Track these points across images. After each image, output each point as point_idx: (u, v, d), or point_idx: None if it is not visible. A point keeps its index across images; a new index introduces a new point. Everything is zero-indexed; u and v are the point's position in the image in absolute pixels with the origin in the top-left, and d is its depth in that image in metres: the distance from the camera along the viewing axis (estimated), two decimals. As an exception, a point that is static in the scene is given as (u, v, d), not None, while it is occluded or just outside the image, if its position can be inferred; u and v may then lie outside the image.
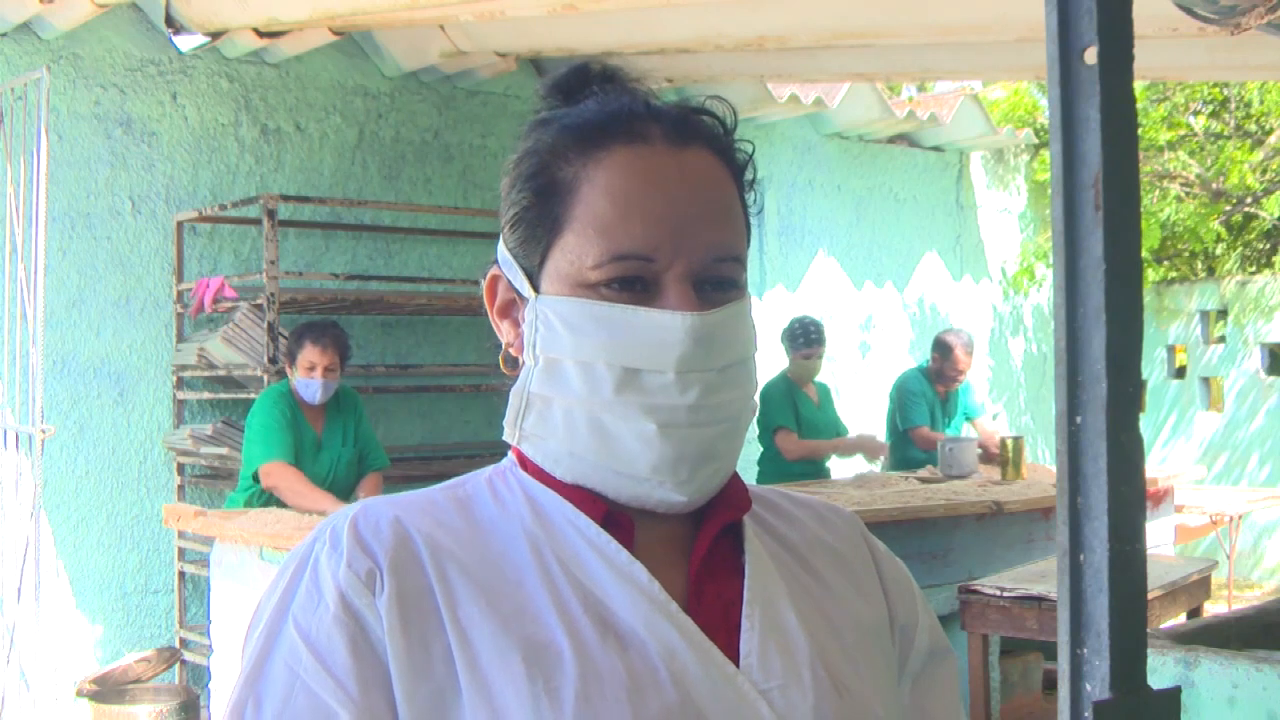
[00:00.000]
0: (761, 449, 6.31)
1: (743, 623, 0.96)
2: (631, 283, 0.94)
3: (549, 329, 0.96)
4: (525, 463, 1.00)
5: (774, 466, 6.17)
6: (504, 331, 1.03)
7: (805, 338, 6.17)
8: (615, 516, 0.96)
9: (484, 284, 1.03)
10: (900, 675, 1.05)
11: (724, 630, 0.95)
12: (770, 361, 6.96)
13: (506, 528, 0.96)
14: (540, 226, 0.97)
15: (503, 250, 1.02)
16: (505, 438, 1.02)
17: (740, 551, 1.01)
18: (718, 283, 0.96)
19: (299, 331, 4.81)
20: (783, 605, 0.98)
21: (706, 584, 0.98)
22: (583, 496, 0.97)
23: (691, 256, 0.94)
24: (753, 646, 0.94)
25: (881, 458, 6.43)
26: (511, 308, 1.02)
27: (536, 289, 0.98)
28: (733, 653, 0.94)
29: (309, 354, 4.72)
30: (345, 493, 4.93)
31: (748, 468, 7.43)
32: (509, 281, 1.01)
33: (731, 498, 1.01)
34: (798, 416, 6.18)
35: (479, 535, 0.96)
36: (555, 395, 0.96)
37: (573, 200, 0.95)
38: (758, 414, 6.23)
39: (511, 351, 1.02)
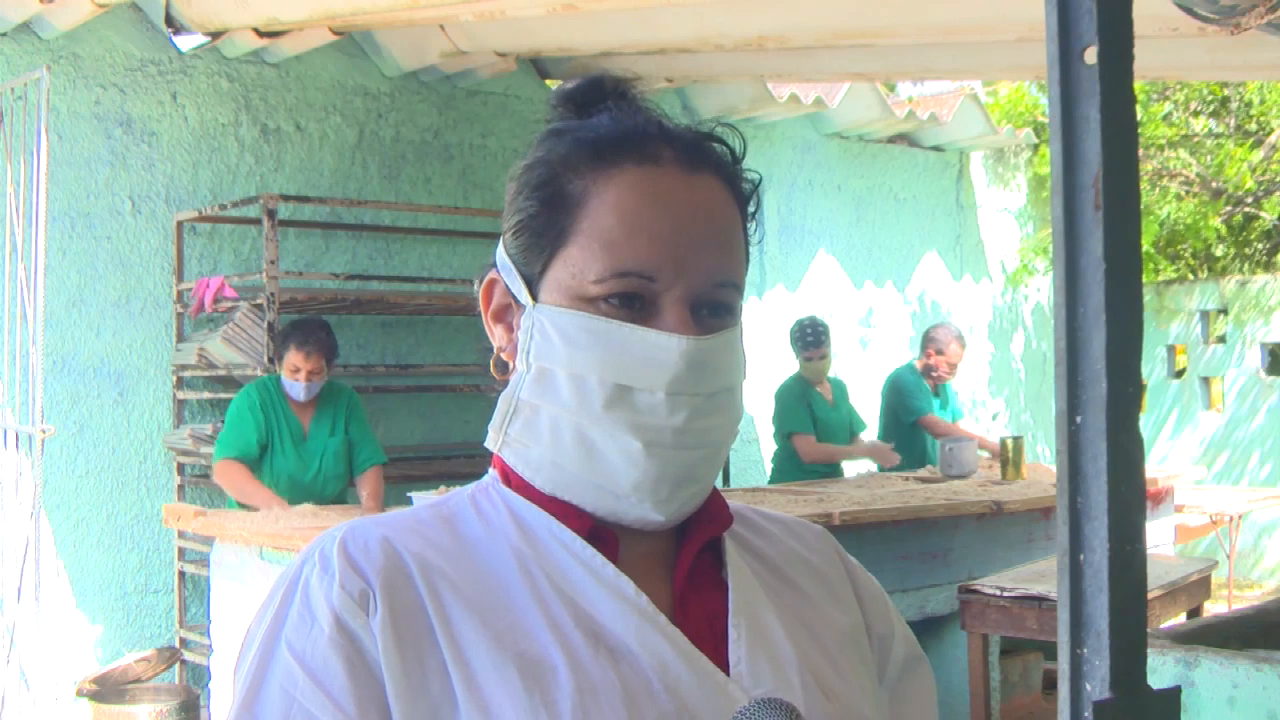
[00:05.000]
0: (777, 448, 6.32)
1: (730, 633, 0.97)
2: (631, 300, 0.94)
3: (544, 338, 0.96)
4: (508, 477, 1.01)
5: (790, 466, 6.19)
6: (497, 336, 1.03)
7: (803, 340, 6.20)
8: (600, 531, 0.97)
9: (480, 286, 1.04)
10: (879, 684, 1.07)
11: (710, 642, 0.96)
12: (775, 363, 6.97)
13: (492, 544, 0.97)
14: (544, 236, 0.97)
15: (502, 255, 1.02)
16: (488, 443, 1.02)
17: (720, 566, 1.02)
18: (715, 308, 0.97)
19: (285, 333, 4.92)
20: (767, 616, 1.00)
21: (690, 597, 0.99)
22: (566, 511, 0.97)
23: (692, 280, 0.95)
24: (741, 655, 0.96)
25: (894, 465, 6.42)
26: (506, 313, 1.02)
27: (535, 297, 0.98)
28: (721, 663, 0.95)
29: (293, 358, 4.83)
30: (334, 482, 4.97)
31: (757, 466, 7.43)
32: (506, 286, 1.01)
33: (713, 514, 1.02)
34: (813, 418, 6.20)
35: (467, 552, 0.96)
36: (544, 404, 0.97)
37: (580, 213, 0.96)
38: (773, 415, 6.21)
39: (503, 356, 1.02)
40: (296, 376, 4.82)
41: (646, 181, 0.96)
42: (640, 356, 0.93)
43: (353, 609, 0.90)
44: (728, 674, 0.94)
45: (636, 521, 0.96)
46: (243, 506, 4.83)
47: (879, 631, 1.09)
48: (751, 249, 1.03)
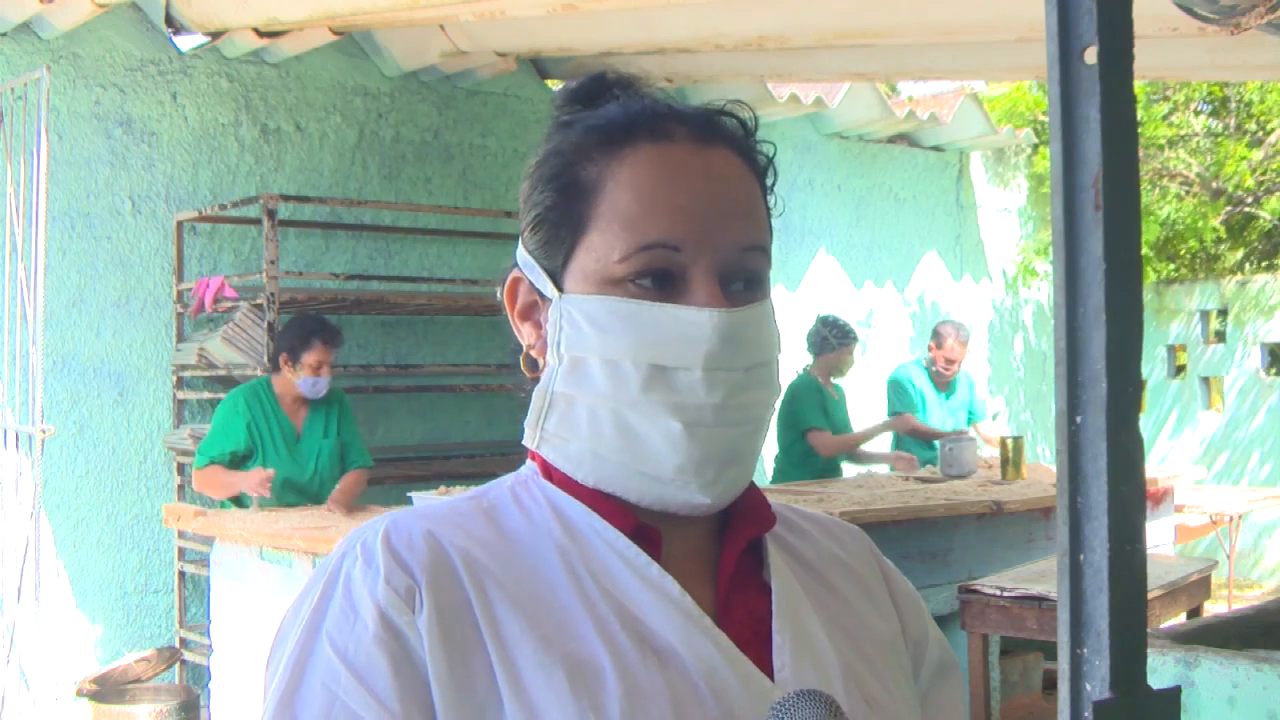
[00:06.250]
0: (779, 448, 6.33)
1: (774, 638, 0.95)
2: (659, 277, 0.93)
3: (574, 327, 0.95)
4: (548, 471, 0.99)
5: (790, 465, 6.22)
6: (525, 334, 1.01)
7: (837, 336, 6.28)
8: (643, 530, 0.95)
9: (504, 287, 1.02)
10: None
11: (754, 645, 0.94)
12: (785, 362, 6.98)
13: (535, 540, 0.95)
14: (564, 226, 0.96)
15: (523, 253, 1.01)
16: (525, 440, 1.01)
17: (761, 567, 1.01)
18: (745, 278, 0.95)
19: (308, 330, 4.82)
20: (810, 621, 0.98)
21: (735, 599, 0.97)
22: (609, 507, 0.95)
23: (718, 250, 0.93)
24: (785, 661, 0.94)
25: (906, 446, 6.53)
26: (533, 309, 1.00)
27: (560, 289, 0.97)
28: (765, 667, 0.93)
29: (319, 353, 4.78)
30: (331, 484, 4.94)
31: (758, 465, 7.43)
32: (531, 283, 1.00)
33: (755, 512, 1.01)
34: (827, 415, 6.26)
35: (510, 548, 0.94)
36: (580, 394, 0.95)
37: (597, 199, 0.95)
38: (782, 413, 6.32)
39: (533, 353, 1.01)
40: (319, 373, 4.80)
41: (661, 157, 0.94)
42: (673, 334, 0.92)
43: (398, 605, 0.88)
44: (772, 679, 0.93)
45: (683, 507, 0.94)
46: (233, 504, 4.84)
47: (914, 636, 1.07)
48: (774, 221, 1.02)
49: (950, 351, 6.60)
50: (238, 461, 4.81)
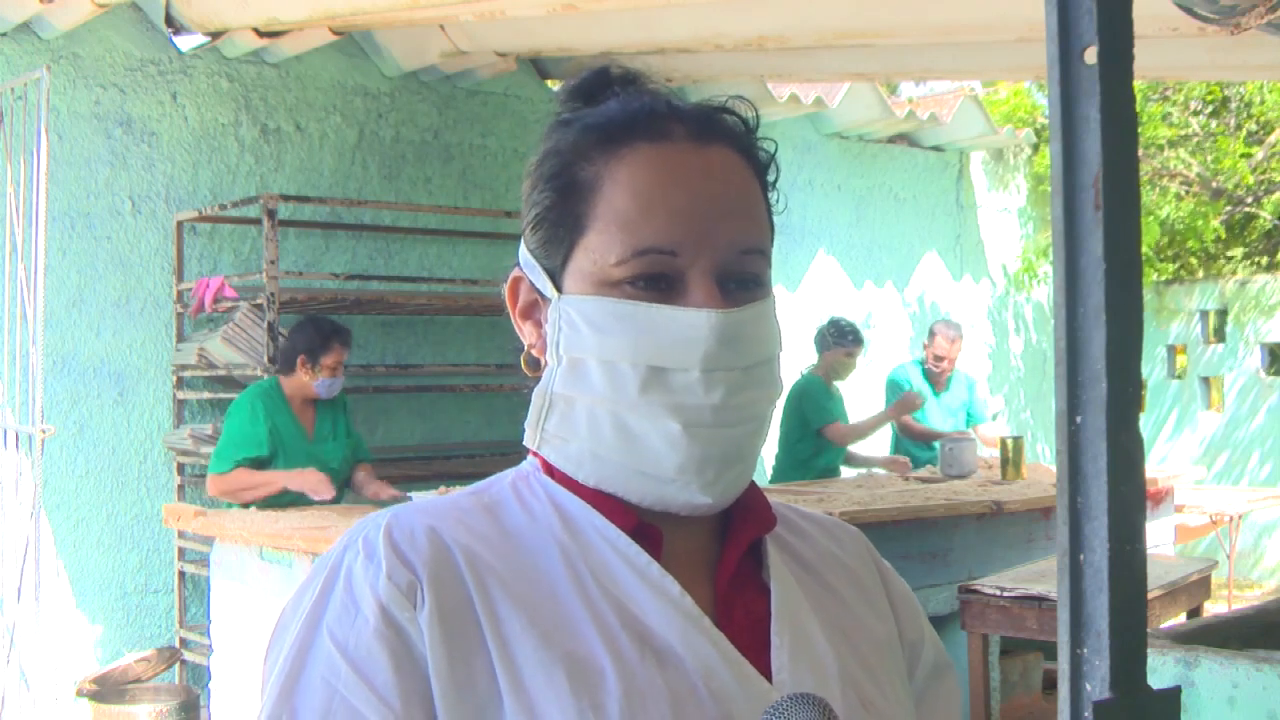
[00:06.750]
0: (781, 448, 6.34)
1: (773, 639, 0.95)
2: (655, 280, 0.92)
3: (572, 328, 0.95)
4: (550, 468, 0.99)
5: (791, 464, 6.25)
6: (527, 333, 1.01)
7: (846, 337, 6.33)
8: (644, 529, 0.95)
9: (506, 286, 1.02)
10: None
11: (753, 647, 0.94)
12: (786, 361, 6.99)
13: (536, 537, 0.95)
14: (562, 226, 0.96)
15: (524, 252, 1.01)
16: (526, 441, 1.00)
17: (760, 566, 1.00)
18: (742, 279, 0.94)
19: (325, 333, 4.80)
20: (809, 623, 0.98)
21: (734, 599, 0.97)
22: (610, 505, 0.95)
23: (715, 251, 0.93)
24: (784, 663, 0.94)
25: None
26: (534, 309, 1.00)
27: (559, 289, 0.96)
28: (763, 669, 0.93)
29: (339, 354, 4.80)
30: (341, 485, 4.93)
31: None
32: (531, 283, 1.00)
33: (756, 513, 1.00)
34: (833, 411, 6.32)
35: (511, 545, 0.94)
36: (579, 395, 0.95)
37: (595, 199, 0.94)
38: (788, 413, 6.42)
39: (534, 353, 1.00)
40: (336, 374, 4.81)
41: (659, 158, 0.94)
42: (670, 336, 0.91)
43: (400, 601, 0.88)
44: (770, 681, 0.93)
45: (684, 507, 0.93)
46: (264, 504, 4.76)
47: (910, 637, 1.07)
48: (776, 219, 1.01)
49: (938, 348, 6.63)
50: (260, 466, 4.76)
